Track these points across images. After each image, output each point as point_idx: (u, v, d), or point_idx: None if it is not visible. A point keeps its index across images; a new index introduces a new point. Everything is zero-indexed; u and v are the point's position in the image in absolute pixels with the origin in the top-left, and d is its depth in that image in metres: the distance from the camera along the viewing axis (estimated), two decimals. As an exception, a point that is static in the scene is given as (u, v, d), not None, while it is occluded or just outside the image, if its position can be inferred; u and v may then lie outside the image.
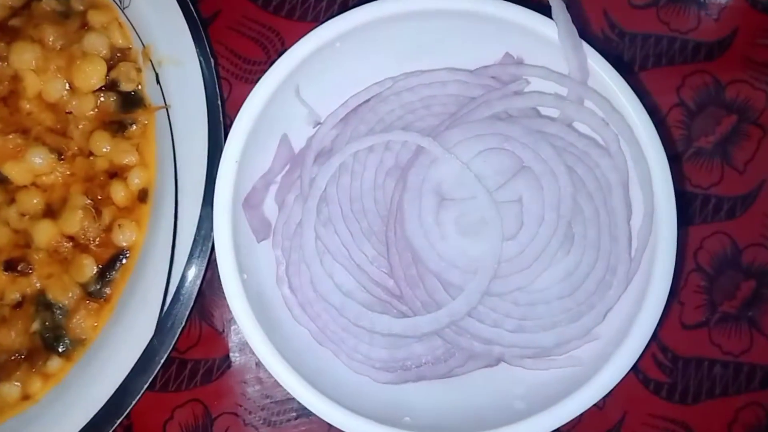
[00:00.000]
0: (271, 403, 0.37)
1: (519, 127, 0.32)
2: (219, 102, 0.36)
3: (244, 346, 0.38)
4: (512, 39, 0.34)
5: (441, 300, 0.31)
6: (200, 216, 0.35)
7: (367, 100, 0.34)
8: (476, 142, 0.32)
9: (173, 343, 0.34)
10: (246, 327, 0.29)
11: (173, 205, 0.35)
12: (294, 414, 0.37)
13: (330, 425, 0.30)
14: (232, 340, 0.38)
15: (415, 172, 0.32)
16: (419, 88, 0.34)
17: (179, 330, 0.34)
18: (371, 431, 0.29)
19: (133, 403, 0.34)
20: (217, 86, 0.36)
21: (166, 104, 0.36)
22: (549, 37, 0.33)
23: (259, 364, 0.37)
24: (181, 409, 0.37)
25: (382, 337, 0.32)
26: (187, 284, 0.35)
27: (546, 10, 0.33)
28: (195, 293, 0.35)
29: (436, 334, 0.31)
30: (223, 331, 0.38)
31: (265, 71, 0.32)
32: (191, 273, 0.35)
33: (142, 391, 0.34)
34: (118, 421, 0.34)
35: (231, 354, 0.38)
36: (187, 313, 0.35)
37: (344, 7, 0.41)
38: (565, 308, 0.30)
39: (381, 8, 0.32)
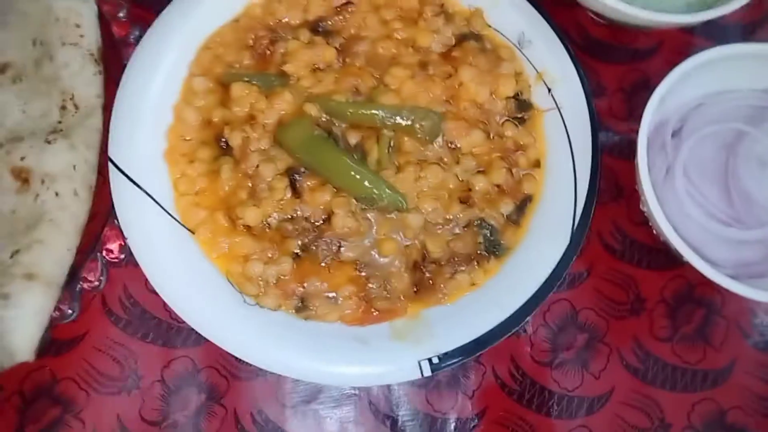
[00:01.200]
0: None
1: (802, 122, 0.53)
2: (592, 104, 0.57)
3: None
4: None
5: (766, 220, 0.50)
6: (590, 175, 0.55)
7: (701, 104, 0.55)
8: (778, 130, 0.53)
9: (574, 254, 0.54)
10: (664, 225, 0.49)
11: (569, 166, 0.56)
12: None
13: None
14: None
15: (744, 146, 0.52)
16: (732, 99, 0.55)
17: (581, 245, 0.54)
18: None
19: (548, 292, 0.53)
20: (591, 95, 0.58)
21: (558, 107, 0.58)
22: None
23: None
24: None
25: (725, 243, 0.51)
26: (586, 218, 0.54)
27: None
28: (589, 224, 0.54)
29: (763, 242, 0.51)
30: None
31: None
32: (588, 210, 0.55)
33: (554, 284, 0.53)
34: (537, 306, 0.52)
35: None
36: (584, 235, 0.54)
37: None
38: None
39: (714, 53, 0.53)
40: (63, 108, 0.57)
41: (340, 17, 0.61)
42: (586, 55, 0.63)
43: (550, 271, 0.54)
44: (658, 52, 0.64)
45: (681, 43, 0.65)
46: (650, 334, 0.57)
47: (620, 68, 0.64)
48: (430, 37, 0.60)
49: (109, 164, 0.54)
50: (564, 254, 0.54)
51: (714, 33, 0.63)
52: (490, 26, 0.61)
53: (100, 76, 0.59)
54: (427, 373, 0.51)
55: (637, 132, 0.58)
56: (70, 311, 0.52)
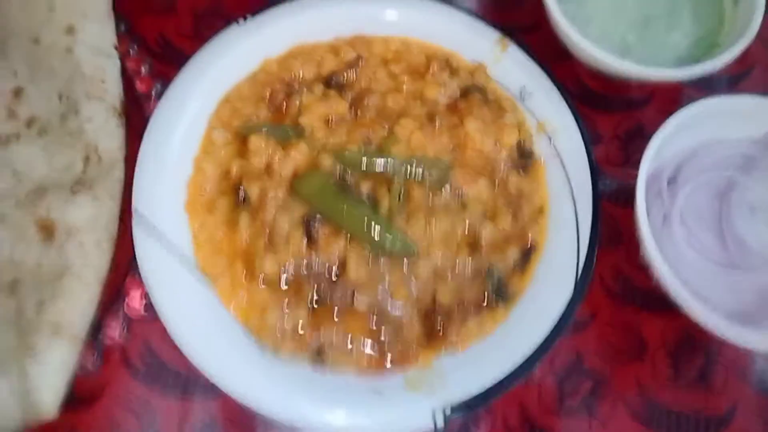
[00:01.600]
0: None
1: (790, 171, 0.56)
2: (591, 152, 0.60)
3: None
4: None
5: (760, 265, 0.53)
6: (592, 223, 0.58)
7: (694, 153, 0.58)
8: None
9: (580, 300, 0.56)
10: (665, 274, 0.52)
11: (571, 212, 0.58)
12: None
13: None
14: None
15: (736, 194, 0.55)
16: (723, 148, 0.58)
17: (585, 291, 0.56)
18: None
19: (557, 338, 0.55)
20: (590, 143, 0.61)
21: (559, 155, 0.61)
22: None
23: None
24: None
25: (723, 288, 0.54)
26: (590, 264, 0.57)
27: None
28: (593, 269, 0.57)
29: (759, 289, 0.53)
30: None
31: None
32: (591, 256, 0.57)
33: (562, 330, 0.55)
34: (547, 352, 0.54)
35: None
36: (589, 281, 0.56)
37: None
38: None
39: (706, 104, 0.57)
40: (87, 160, 0.60)
41: (352, 72, 0.65)
42: (583, 105, 0.67)
43: (557, 317, 0.56)
44: (651, 102, 0.68)
45: (672, 93, 0.69)
46: (653, 380, 0.59)
47: (615, 117, 0.68)
48: (437, 90, 0.64)
49: (133, 215, 0.57)
50: (570, 301, 0.56)
51: (702, 83, 0.67)
52: (492, 80, 0.65)
53: (122, 129, 0.62)
54: (441, 424, 0.52)
55: (633, 178, 0.62)
56: (91, 366, 0.53)
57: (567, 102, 0.62)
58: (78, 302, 0.52)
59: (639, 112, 0.68)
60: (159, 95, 0.63)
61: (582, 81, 0.69)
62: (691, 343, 0.60)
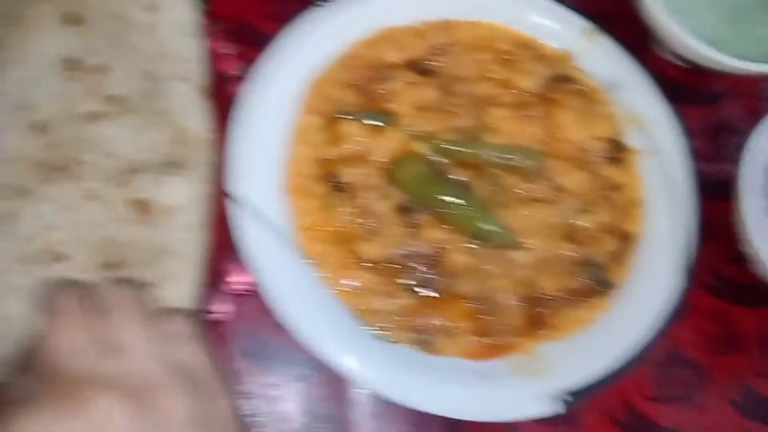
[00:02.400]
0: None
1: None
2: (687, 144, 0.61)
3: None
4: None
5: None
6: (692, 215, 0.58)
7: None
8: None
9: (683, 291, 0.56)
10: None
11: (668, 205, 0.58)
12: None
13: None
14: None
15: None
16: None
17: (687, 284, 0.56)
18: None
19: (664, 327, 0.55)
20: (684, 135, 0.61)
21: (652, 148, 0.60)
22: None
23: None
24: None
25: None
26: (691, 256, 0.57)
27: None
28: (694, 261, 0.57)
29: None
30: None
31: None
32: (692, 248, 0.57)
33: (670, 320, 0.55)
34: (656, 341, 0.54)
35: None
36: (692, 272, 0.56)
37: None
38: None
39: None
40: (175, 141, 0.58)
41: (438, 57, 0.64)
42: (666, 97, 0.66)
43: (660, 307, 0.56)
44: (737, 96, 0.68)
45: (754, 88, 0.68)
46: (752, 371, 0.59)
47: (700, 110, 0.67)
48: (526, 78, 0.63)
49: (230, 198, 0.55)
50: (672, 291, 0.56)
51: (787, 79, 0.67)
52: (581, 69, 0.64)
53: (209, 110, 0.60)
54: (558, 408, 0.52)
55: (723, 172, 0.62)
56: (195, 345, 0.52)
57: (659, 94, 0.62)
58: (180, 283, 0.51)
59: (723, 105, 0.67)
60: (242, 77, 0.61)
61: (665, 72, 0.68)
62: (791, 336, 0.61)
